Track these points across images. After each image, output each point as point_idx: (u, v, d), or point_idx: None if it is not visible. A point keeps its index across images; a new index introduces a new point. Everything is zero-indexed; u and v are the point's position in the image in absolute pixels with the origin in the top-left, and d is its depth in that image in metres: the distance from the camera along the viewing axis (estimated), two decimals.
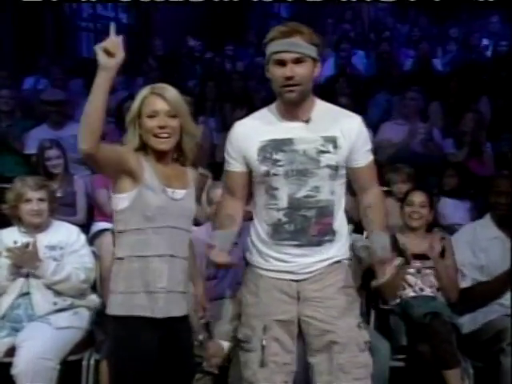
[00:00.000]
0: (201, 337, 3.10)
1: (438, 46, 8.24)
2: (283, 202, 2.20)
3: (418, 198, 3.41)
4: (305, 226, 2.21)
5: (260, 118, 2.29)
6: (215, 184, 3.62)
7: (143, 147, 2.21)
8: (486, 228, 3.44)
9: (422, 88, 5.64)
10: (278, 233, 2.24)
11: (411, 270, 3.33)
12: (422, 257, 3.34)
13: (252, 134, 2.24)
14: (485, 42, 8.20)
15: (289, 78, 2.13)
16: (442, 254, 3.36)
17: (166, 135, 2.18)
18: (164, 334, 2.18)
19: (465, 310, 3.32)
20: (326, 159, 2.19)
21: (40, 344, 2.89)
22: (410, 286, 3.33)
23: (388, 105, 5.87)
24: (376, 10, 10.24)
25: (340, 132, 2.21)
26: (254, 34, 8.60)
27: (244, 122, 2.32)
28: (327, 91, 5.50)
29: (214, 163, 5.30)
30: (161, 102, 2.17)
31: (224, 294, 3.27)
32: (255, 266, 2.33)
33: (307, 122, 2.22)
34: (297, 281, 2.26)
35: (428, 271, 3.34)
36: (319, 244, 2.24)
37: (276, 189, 2.21)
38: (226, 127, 5.48)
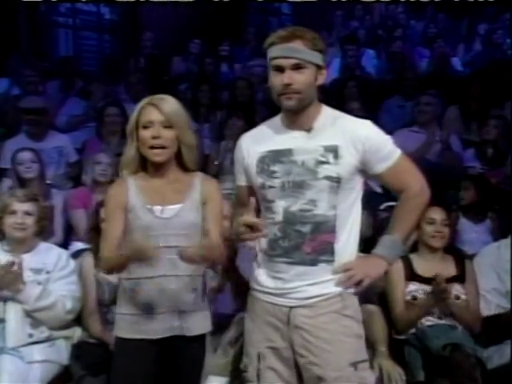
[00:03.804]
0: None
1: (457, 45, 8.27)
2: (279, 215, 2.26)
3: (440, 215, 3.39)
4: (299, 242, 2.24)
5: (265, 128, 2.38)
6: None
7: (141, 160, 2.38)
8: None
9: (439, 91, 5.64)
10: (272, 249, 2.29)
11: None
12: None
13: (253, 145, 2.34)
14: (509, 39, 8.22)
15: (287, 86, 2.20)
16: (462, 279, 3.34)
17: (159, 145, 2.33)
18: (162, 351, 2.37)
19: (490, 341, 3.29)
20: (324, 170, 2.23)
21: (8, 380, 2.84)
22: (428, 313, 3.30)
23: (401, 110, 5.88)
24: (388, 5, 10.29)
25: (344, 141, 2.24)
26: (253, 32, 8.63)
27: (248, 133, 2.42)
28: (334, 95, 5.51)
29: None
30: (156, 113, 2.35)
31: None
32: (253, 289, 2.39)
33: (309, 131, 2.27)
34: (289, 306, 2.27)
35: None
36: (313, 264, 2.25)
37: (272, 201, 2.27)
38: (220, 136, 5.51)
